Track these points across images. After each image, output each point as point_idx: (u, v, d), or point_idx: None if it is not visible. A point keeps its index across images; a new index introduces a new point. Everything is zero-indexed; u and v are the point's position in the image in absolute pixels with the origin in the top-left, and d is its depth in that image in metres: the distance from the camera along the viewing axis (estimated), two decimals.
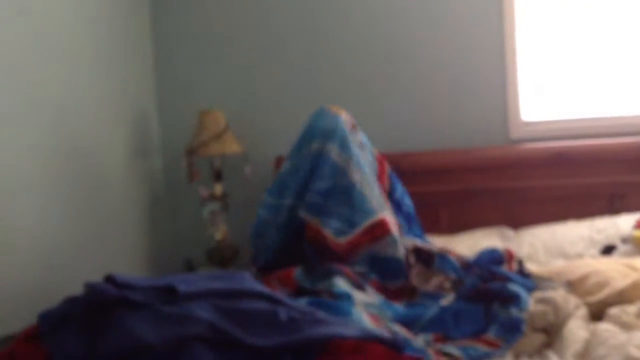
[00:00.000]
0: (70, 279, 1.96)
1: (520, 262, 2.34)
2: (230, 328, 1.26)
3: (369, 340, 1.33)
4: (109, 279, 1.43)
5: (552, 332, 1.96)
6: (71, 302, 1.42)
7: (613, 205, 2.85)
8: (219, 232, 3.10)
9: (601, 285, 2.11)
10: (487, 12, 3.07)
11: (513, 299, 1.95)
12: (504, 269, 2.27)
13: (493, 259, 2.30)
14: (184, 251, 3.22)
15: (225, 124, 3.09)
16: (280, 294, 1.50)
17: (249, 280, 1.46)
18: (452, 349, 1.81)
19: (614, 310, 2.00)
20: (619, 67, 3.05)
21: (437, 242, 2.73)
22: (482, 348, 1.85)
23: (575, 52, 3.08)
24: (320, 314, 1.41)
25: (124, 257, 2.93)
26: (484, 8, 3.07)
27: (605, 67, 3.06)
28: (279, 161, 3.15)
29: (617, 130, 3.01)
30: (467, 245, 2.71)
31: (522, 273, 2.28)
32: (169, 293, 1.36)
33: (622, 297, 2.05)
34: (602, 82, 3.07)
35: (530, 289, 2.14)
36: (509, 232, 2.87)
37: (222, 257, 3.09)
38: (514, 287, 2.00)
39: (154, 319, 1.29)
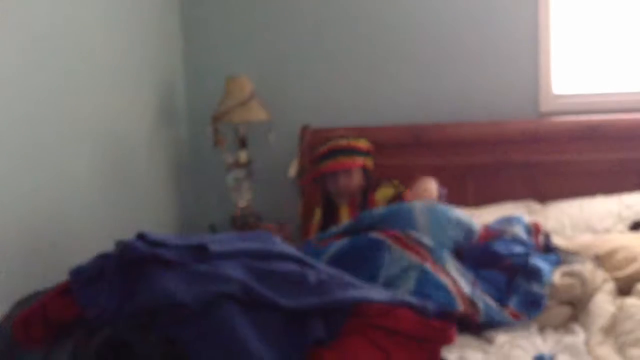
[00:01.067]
0: (100, 241, 1.98)
1: (547, 236, 2.31)
2: (260, 288, 1.27)
3: (397, 305, 1.33)
4: (141, 237, 1.44)
5: (578, 306, 1.96)
6: (103, 259, 1.43)
7: None
8: (243, 199, 3.11)
9: (629, 260, 2.09)
10: None
11: (535, 274, 1.94)
12: (531, 240, 2.25)
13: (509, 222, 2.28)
14: (209, 217, 3.23)
15: (251, 91, 3.07)
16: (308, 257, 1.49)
17: (277, 242, 1.47)
18: (479, 298, 1.82)
19: None
20: None
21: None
22: (506, 316, 1.85)
23: (610, 25, 3.00)
24: (350, 278, 1.41)
25: (150, 223, 2.93)
26: None
27: (636, 40, 2.98)
28: (304, 130, 3.14)
29: None
30: (493, 218, 2.69)
31: (549, 247, 2.26)
32: (200, 252, 1.37)
33: None
34: (635, 56, 2.99)
35: (556, 263, 2.12)
36: (536, 206, 2.84)
37: (245, 223, 3.10)
38: (537, 262, 1.99)
39: (186, 277, 1.30)
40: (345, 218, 2.65)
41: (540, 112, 3.03)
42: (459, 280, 1.88)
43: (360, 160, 2.66)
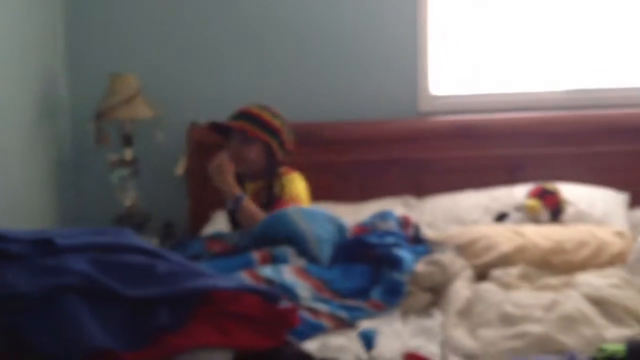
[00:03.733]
0: None
1: (416, 228, 2.43)
2: (105, 279, 1.28)
3: (245, 291, 1.37)
4: None
5: (439, 292, 2.07)
6: None
7: (512, 176, 2.98)
8: (129, 199, 3.07)
9: (488, 249, 2.23)
10: None
11: (396, 263, 2.04)
12: (402, 232, 2.36)
13: (382, 217, 2.38)
14: (93, 217, 3.18)
15: (137, 87, 3.04)
16: (162, 249, 1.52)
17: (130, 236, 1.48)
18: (340, 310, 1.89)
19: (497, 272, 2.12)
20: (522, 45, 3.17)
21: (346, 209, 2.82)
22: (368, 309, 1.94)
23: (484, 30, 3.18)
24: (201, 268, 1.44)
25: (28, 223, 2.86)
26: None
27: (510, 45, 3.18)
28: (192, 127, 3.14)
29: (520, 105, 3.15)
30: (373, 212, 2.79)
31: (418, 238, 2.38)
32: (47, 246, 1.36)
33: (506, 260, 2.18)
34: (506, 59, 3.19)
35: (423, 253, 2.24)
36: (413, 201, 2.97)
37: (131, 223, 3.06)
38: (397, 252, 2.09)
39: (28, 270, 1.29)
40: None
41: (419, 112, 3.17)
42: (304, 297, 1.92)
43: (264, 136, 2.46)
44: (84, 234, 1.44)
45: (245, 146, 2.48)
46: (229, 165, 2.42)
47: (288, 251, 2.12)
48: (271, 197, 2.49)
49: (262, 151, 2.50)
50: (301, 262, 2.10)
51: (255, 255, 2.12)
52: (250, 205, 2.40)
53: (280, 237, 2.20)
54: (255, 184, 2.55)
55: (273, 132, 2.50)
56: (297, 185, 2.56)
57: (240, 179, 2.51)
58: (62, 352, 1.17)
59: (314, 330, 1.79)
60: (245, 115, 2.51)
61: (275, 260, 2.08)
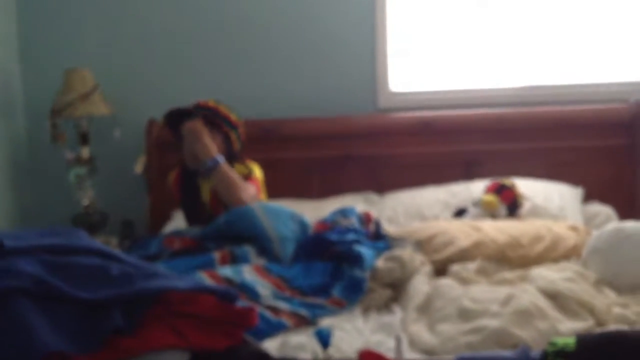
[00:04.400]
0: None
1: (377, 224, 2.45)
2: (56, 282, 1.25)
3: (201, 291, 1.36)
4: None
5: (398, 287, 2.09)
6: None
7: (470, 172, 3.02)
8: (86, 198, 3.02)
9: (446, 244, 2.25)
10: None
11: (357, 260, 2.05)
12: (363, 228, 2.37)
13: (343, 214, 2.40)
14: (49, 217, 3.11)
15: (94, 84, 2.99)
16: (115, 250, 1.50)
17: (83, 237, 1.45)
18: (300, 308, 1.89)
19: (455, 267, 2.15)
20: (478, 42, 3.22)
21: (306, 206, 2.82)
22: (329, 307, 1.94)
23: (441, 27, 3.21)
24: (156, 269, 1.42)
25: None
26: None
27: (466, 41, 3.22)
28: (150, 124, 3.10)
29: (477, 102, 3.18)
30: (334, 209, 2.80)
31: (379, 234, 2.40)
32: None
33: (464, 255, 2.21)
34: (462, 56, 3.23)
35: (383, 249, 2.26)
36: (374, 197, 2.99)
37: (89, 223, 3.01)
38: (358, 248, 2.10)
39: None
40: (205, 193, 2.51)
41: (379, 108, 3.19)
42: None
43: (225, 127, 2.48)
44: (35, 236, 1.40)
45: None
46: (202, 128, 2.40)
47: (249, 251, 2.12)
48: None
49: (221, 143, 2.50)
50: (262, 261, 2.09)
51: (216, 254, 2.11)
52: (227, 167, 2.38)
53: (243, 233, 2.19)
54: (210, 181, 2.51)
55: (230, 124, 2.53)
56: (258, 173, 2.59)
57: (193, 180, 2.49)
58: (13, 356, 1.14)
59: (275, 329, 1.79)
60: (202, 108, 2.50)
61: (236, 260, 2.07)
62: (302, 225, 2.32)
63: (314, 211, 2.72)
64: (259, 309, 1.73)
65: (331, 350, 1.55)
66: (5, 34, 3.06)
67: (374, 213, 2.63)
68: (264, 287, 1.92)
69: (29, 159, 3.18)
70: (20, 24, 3.13)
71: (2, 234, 1.39)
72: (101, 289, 1.28)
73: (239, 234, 2.21)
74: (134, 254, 2.10)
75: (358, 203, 2.86)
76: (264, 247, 2.18)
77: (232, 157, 2.53)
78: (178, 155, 2.55)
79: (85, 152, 3.02)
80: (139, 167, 3.07)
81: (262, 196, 2.59)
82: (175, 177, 2.60)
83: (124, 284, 1.29)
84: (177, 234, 2.37)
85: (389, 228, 2.52)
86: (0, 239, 1.32)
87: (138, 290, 1.28)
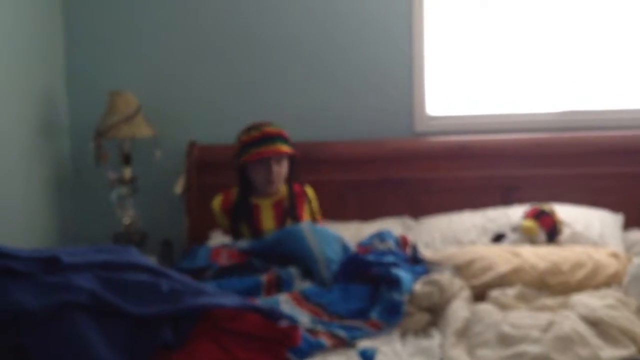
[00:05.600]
0: None
1: (414, 248, 2.45)
2: (110, 297, 1.29)
3: (246, 309, 1.39)
4: None
5: (437, 312, 2.09)
6: None
7: (507, 197, 3.01)
8: (127, 217, 3.08)
9: (485, 269, 2.24)
10: (396, 8, 3.17)
11: (395, 283, 2.06)
12: (399, 252, 2.38)
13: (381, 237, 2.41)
14: (91, 235, 3.18)
15: (137, 106, 3.07)
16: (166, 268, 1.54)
17: (134, 254, 1.49)
18: (338, 330, 1.90)
19: (494, 293, 2.14)
20: (517, 66, 3.22)
21: (343, 229, 2.83)
22: (367, 329, 1.95)
23: (480, 51, 3.23)
24: (203, 286, 1.46)
25: (27, 241, 2.86)
26: (393, 3, 3.17)
27: (506, 66, 3.23)
28: (191, 146, 3.16)
29: (515, 126, 3.18)
30: (371, 232, 2.81)
31: (416, 258, 2.40)
32: (53, 264, 1.37)
33: (503, 281, 2.20)
34: (502, 80, 3.24)
35: (421, 273, 2.26)
36: (410, 222, 2.99)
37: (130, 241, 3.07)
38: (396, 271, 2.11)
39: (35, 287, 1.30)
40: (268, 220, 2.58)
41: (415, 132, 3.20)
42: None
43: (289, 149, 2.56)
44: (89, 252, 1.45)
45: (280, 165, 2.57)
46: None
47: (294, 273, 2.15)
48: (293, 201, 2.60)
49: (289, 166, 2.63)
50: (306, 284, 2.12)
51: (263, 277, 2.13)
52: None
53: (290, 253, 2.22)
54: (272, 197, 2.60)
55: (291, 144, 2.61)
56: (312, 196, 2.71)
57: (247, 202, 2.56)
58: None
59: (313, 348, 1.80)
60: (279, 138, 2.57)
61: (281, 282, 2.10)
62: (345, 248, 2.34)
63: (350, 234, 2.74)
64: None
65: None
66: (52, 58, 3.17)
67: (410, 237, 2.64)
68: (302, 316, 1.94)
69: (73, 179, 3.27)
70: (67, 48, 3.23)
71: (59, 250, 1.44)
72: (152, 305, 1.31)
73: (286, 252, 2.25)
74: (182, 264, 2.15)
75: (395, 227, 2.86)
76: (309, 267, 2.21)
77: (295, 176, 2.64)
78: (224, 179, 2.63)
79: (127, 172, 3.09)
80: (178, 188, 3.12)
81: (319, 217, 2.70)
82: (224, 201, 2.65)
83: (173, 300, 1.32)
84: (225, 246, 2.40)
85: (425, 252, 2.52)
86: (59, 255, 1.37)
87: (186, 307, 1.32)
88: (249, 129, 2.60)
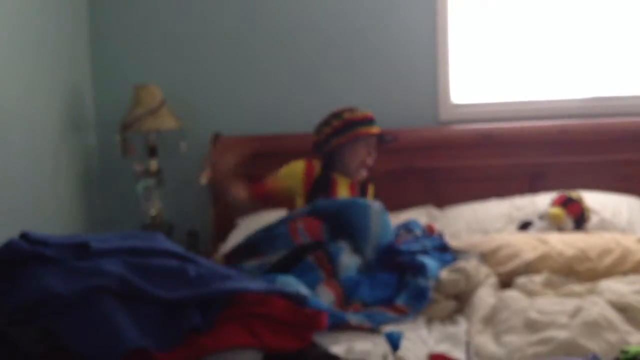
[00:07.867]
0: None
1: (440, 236, 2.44)
2: (138, 282, 1.31)
3: (272, 294, 1.40)
4: (24, 236, 1.46)
5: (463, 299, 2.08)
6: None
7: (533, 185, 2.98)
8: (154, 208, 3.12)
9: (511, 256, 2.23)
10: None
11: (421, 269, 2.05)
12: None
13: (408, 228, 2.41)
14: (119, 226, 3.23)
15: (162, 99, 3.10)
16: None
17: (161, 240, 1.52)
18: (358, 317, 1.89)
19: (521, 279, 2.12)
20: (544, 53, 3.19)
21: None
22: (390, 314, 1.94)
23: (504, 38, 3.20)
24: (229, 272, 1.47)
25: (57, 232, 2.91)
26: None
27: (531, 53, 3.19)
28: (215, 138, 3.19)
29: (540, 113, 3.16)
30: (397, 223, 2.81)
31: (442, 246, 2.39)
32: (82, 249, 1.40)
33: (529, 268, 2.18)
34: (527, 67, 3.20)
35: (449, 261, 2.25)
36: (435, 211, 2.98)
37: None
38: (421, 258, 2.10)
39: (65, 272, 1.33)
40: (343, 192, 2.60)
41: (440, 121, 3.19)
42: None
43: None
44: (118, 238, 1.48)
45: (375, 150, 2.61)
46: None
47: (343, 247, 2.15)
48: (364, 189, 2.66)
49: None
50: (353, 260, 2.12)
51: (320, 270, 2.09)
52: None
53: (348, 222, 2.22)
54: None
55: None
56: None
57: (329, 176, 2.59)
58: (99, 352, 1.20)
59: (338, 320, 1.77)
60: (373, 120, 2.59)
61: (330, 258, 2.10)
62: (392, 236, 2.34)
63: None
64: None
65: (399, 353, 1.56)
66: (78, 53, 3.21)
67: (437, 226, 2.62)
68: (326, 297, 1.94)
69: (100, 172, 3.31)
70: (92, 42, 3.28)
71: (88, 236, 1.47)
72: (180, 289, 1.33)
73: (345, 221, 2.24)
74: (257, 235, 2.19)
75: (419, 217, 2.85)
76: (358, 245, 2.20)
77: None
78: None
79: (153, 164, 3.13)
80: (203, 179, 3.15)
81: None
82: (307, 169, 2.63)
83: (200, 285, 1.34)
84: (298, 215, 2.33)
85: (451, 241, 2.50)
86: (87, 241, 1.39)
87: (214, 291, 1.33)
88: (343, 112, 2.58)
